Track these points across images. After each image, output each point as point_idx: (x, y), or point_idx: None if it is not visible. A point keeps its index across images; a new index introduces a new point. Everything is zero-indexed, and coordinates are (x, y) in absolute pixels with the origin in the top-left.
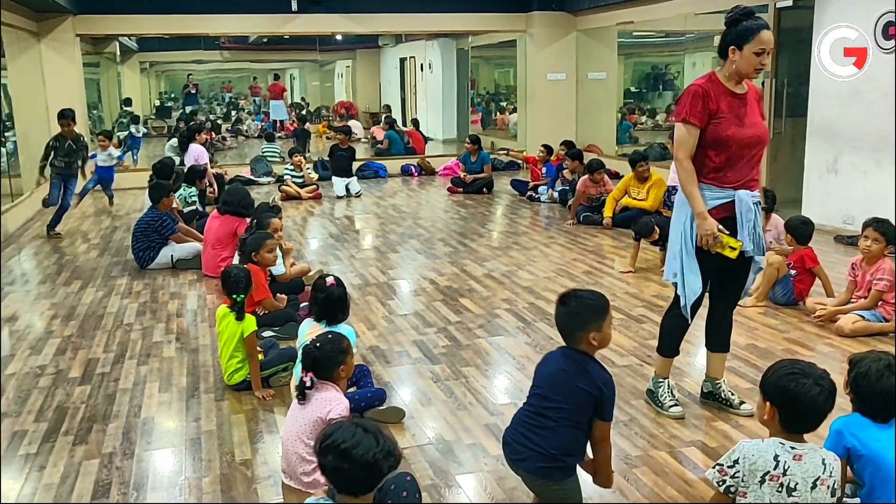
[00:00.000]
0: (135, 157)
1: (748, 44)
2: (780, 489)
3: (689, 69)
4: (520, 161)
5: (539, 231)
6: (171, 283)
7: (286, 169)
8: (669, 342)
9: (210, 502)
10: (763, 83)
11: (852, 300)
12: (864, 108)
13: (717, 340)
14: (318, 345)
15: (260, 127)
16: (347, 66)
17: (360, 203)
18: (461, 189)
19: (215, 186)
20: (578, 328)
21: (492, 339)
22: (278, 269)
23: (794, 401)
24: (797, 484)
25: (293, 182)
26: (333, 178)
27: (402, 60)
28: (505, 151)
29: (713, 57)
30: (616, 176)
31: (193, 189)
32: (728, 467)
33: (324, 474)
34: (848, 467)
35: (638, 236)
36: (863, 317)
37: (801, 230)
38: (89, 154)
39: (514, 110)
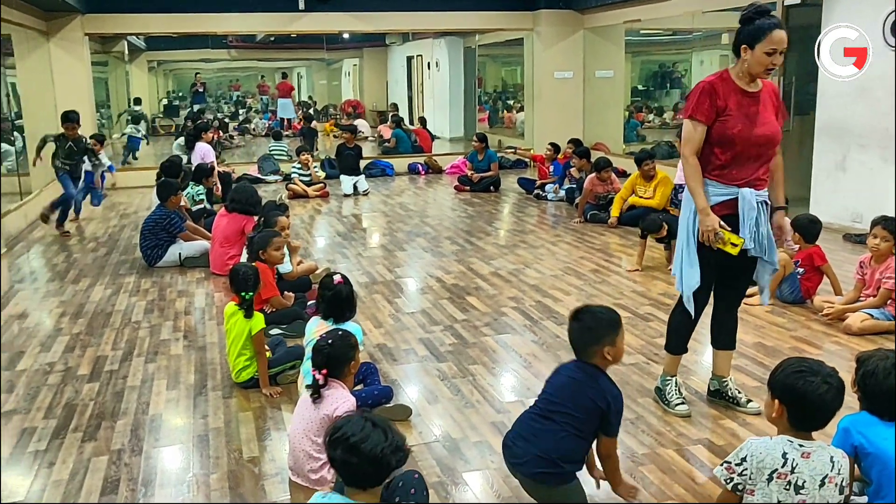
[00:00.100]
0: (135, 157)
1: (759, 43)
2: (787, 487)
3: (696, 67)
4: (527, 159)
5: (546, 229)
6: (179, 281)
7: (293, 167)
8: (676, 339)
9: (218, 500)
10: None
11: (861, 298)
12: (872, 107)
13: (723, 338)
14: (330, 342)
15: (267, 125)
16: (354, 65)
17: (367, 201)
18: (468, 187)
19: (218, 185)
20: (593, 343)
21: (498, 337)
22: (285, 267)
23: (802, 399)
24: (805, 482)
25: (300, 180)
26: (342, 176)
27: (410, 59)
28: (512, 150)
29: (721, 55)
30: (623, 174)
31: (201, 187)
32: (736, 465)
33: (333, 467)
34: (855, 465)
35: (645, 233)
36: (871, 315)
37: (808, 229)
38: (94, 162)
39: (522, 108)
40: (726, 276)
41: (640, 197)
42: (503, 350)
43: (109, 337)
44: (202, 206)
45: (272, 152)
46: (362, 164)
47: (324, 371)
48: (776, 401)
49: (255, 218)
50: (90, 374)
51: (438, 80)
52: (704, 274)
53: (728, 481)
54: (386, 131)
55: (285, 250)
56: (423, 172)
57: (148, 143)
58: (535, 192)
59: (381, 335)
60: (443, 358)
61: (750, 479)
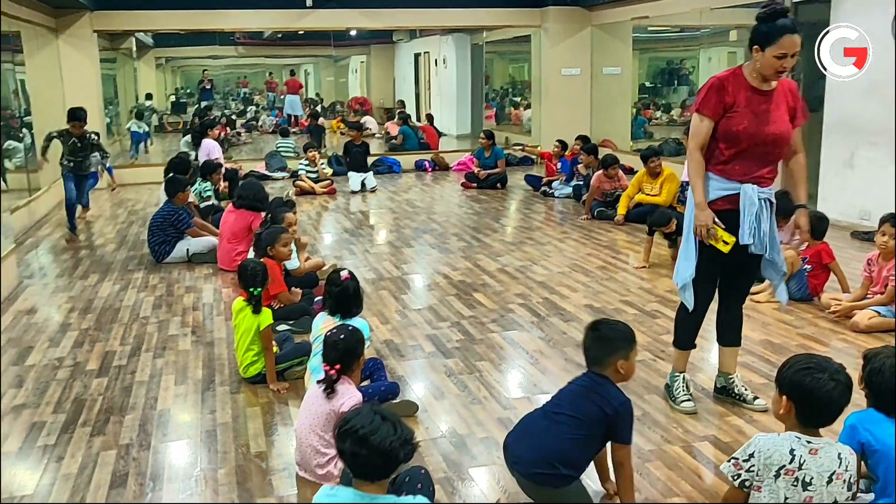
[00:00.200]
0: (138, 151)
1: (770, 46)
2: (795, 483)
3: (704, 64)
4: (534, 156)
5: (553, 226)
6: (187, 276)
7: (301, 164)
8: (682, 334)
9: (226, 494)
10: None
11: (868, 296)
12: (881, 104)
13: (728, 335)
14: (341, 336)
15: (274, 122)
16: (362, 62)
17: (374, 198)
18: (475, 184)
19: (222, 181)
20: (607, 354)
21: (505, 333)
22: (293, 263)
23: (810, 395)
24: (812, 478)
25: (308, 177)
26: (349, 172)
27: (417, 56)
28: (520, 147)
29: (729, 52)
30: (630, 171)
31: (208, 184)
32: (743, 461)
33: (342, 459)
34: (862, 462)
35: (652, 230)
36: (879, 312)
37: (816, 226)
38: (102, 154)
39: (529, 105)
40: (730, 273)
41: (647, 194)
42: (510, 346)
43: (118, 332)
44: (210, 202)
45: (279, 149)
46: (369, 160)
47: (337, 366)
48: (784, 397)
49: (263, 214)
50: (99, 370)
51: (446, 76)
52: (706, 269)
53: (735, 477)
54: (393, 128)
55: (293, 246)
56: (429, 169)
57: (150, 141)
58: (542, 188)
59: (387, 331)
60: (450, 354)
61: (757, 475)
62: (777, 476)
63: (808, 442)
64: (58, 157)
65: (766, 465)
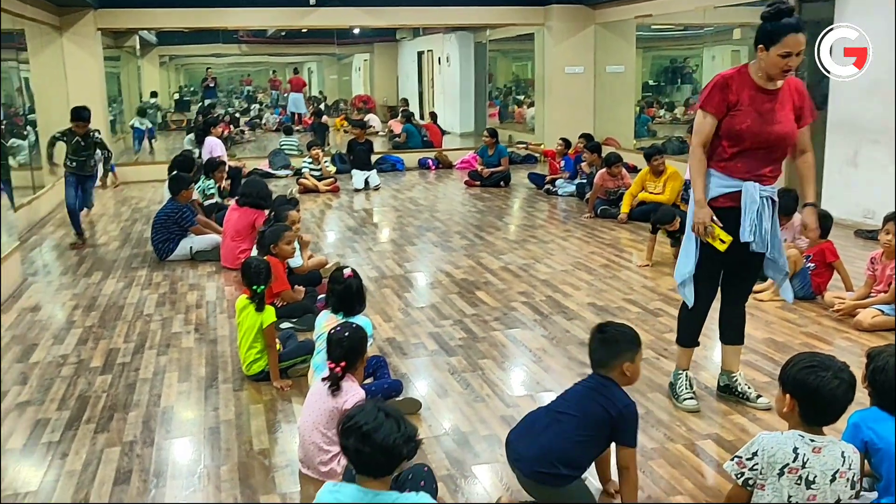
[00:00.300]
0: (136, 148)
1: (774, 45)
2: (798, 482)
3: (707, 62)
4: (537, 154)
5: (556, 224)
6: (190, 274)
7: (304, 162)
8: (684, 332)
9: (229, 491)
10: None
11: (871, 294)
12: (884, 103)
13: (731, 333)
14: (346, 334)
15: (278, 120)
16: (365, 60)
17: (378, 196)
18: (478, 182)
19: (224, 179)
20: (613, 356)
21: (508, 331)
22: (296, 261)
23: (814, 394)
24: (816, 476)
25: (311, 175)
26: (353, 170)
27: (420, 54)
28: (524, 145)
29: (732, 50)
30: (634, 170)
31: (211, 181)
32: (747, 459)
33: (345, 455)
34: (865, 461)
35: (655, 228)
36: (882, 311)
37: (820, 224)
38: (106, 153)
39: (532, 104)
40: (733, 271)
41: (650, 193)
42: (513, 344)
43: (121, 330)
44: (213, 200)
45: (283, 147)
46: (373, 158)
47: (342, 363)
48: (788, 396)
49: (266, 212)
50: (103, 367)
51: (449, 75)
52: (707, 266)
53: (739, 476)
54: (396, 126)
55: (296, 244)
56: (433, 167)
57: (154, 137)
58: (546, 187)
59: (390, 329)
60: (452, 352)
61: (761, 473)
62: (780, 474)
63: (812, 440)
64: (62, 159)
65: (770, 463)
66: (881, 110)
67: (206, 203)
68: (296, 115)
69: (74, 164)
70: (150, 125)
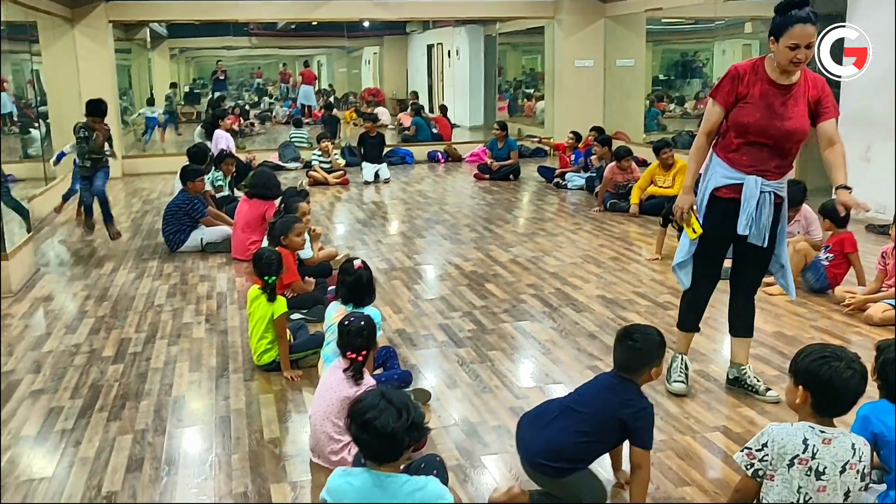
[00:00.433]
0: (147, 138)
1: (783, 37)
2: (808, 473)
3: (718, 56)
4: (547, 148)
5: (565, 217)
6: (201, 265)
7: (314, 154)
8: (684, 316)
9: (240, 479)
10: None
11: (882, 289)
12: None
13: (740, 326)
14: (362, 323)
15: (288, 113)
16: (375, 53)
17: (387, 189)
18: (487, 175)
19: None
20: (645, 364)
21: (517, 323)
22: (306, 252)
23: (827, 384)
24: (826, 468)
25: (321, 167)
26: (364, 163)
27: (430, 47)
28: (537, 139)
29: (744, 44)
30: (643, 163)
31: (220, 173)
32: (757, 451)
33: (354, 443)
34: (874, 453)
35: (666, 221)
36: (893, 306)
37: (837, 213)
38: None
39: (542, 97)
40: (741, 264)
41: (660, 186)
42: (522, 336)
43: (133, 320)
44: (223, 192)
45: (293, 140)
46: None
47: (363, 352)
48: (800, 387)
49: (276, 203)
50: (114, 356)
51: (458, 68)
52: (708, 253)
53: (748, 467)
54: (406, 119)
55: (306, 236)
56: (442, 160)
57: (165, 125)
58: (555, 180)
59: (400, 321)
60: (462, 343)
61: (770, 464)
62: (790, 465)
63: (822, 431)
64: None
65: (780, 454)
66: (893, 105)
67: (218, 196)
68: (306, 108)
69: (90, 161)
70: (160, 112)
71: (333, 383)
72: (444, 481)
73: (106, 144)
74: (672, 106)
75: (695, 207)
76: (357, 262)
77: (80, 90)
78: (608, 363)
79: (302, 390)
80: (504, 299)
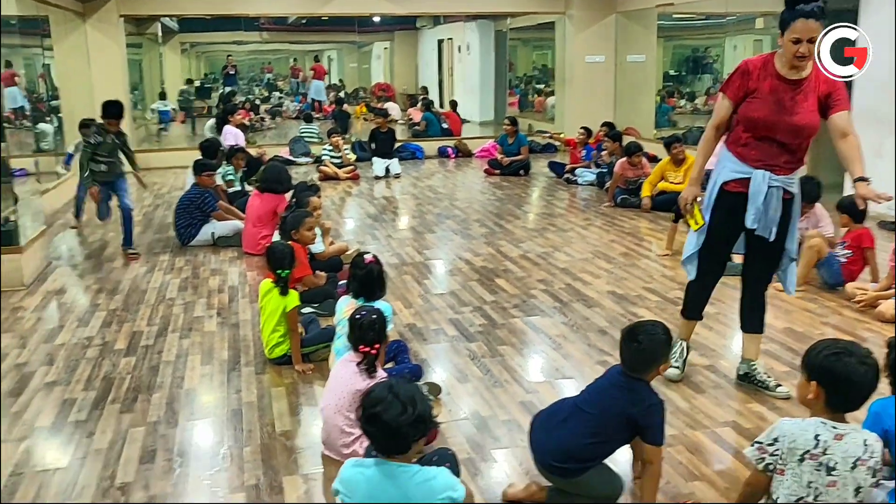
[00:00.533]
0: (166, 129)
1: (787, 31)
2: (819, 468)
3: (729, 52)
4: (557, 144)
5: (576, 213)
6: (212, 259)
7: (324, 149)
8: (689, 305)
9: (252, 472)
10: None
11: (894, 286)
12: None
13: (751, 321)
14: (374, 317)
15: (298, 108)
16: (385, 48)
17: (397, 184)
18: (498, 171)
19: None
20: (652, 363)
21: (527, 318)
22: (317, 247)
23: (841, 380)
24: (837, 463)
25: (331, 162)
26: (374, 158)
27: (440, 42)
28: (548, 135)
29: (755, 39)
30: (654, 159)
31: (231, 168)
32: (768, 445)
33: (364, 434)
34: (885, 450)
35: (678, 216)
36: None
37: (854, 207)
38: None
39: (552, 93)
40: (751, 259)
41: (671, 182)
42: (532, 331)
43: (145, 313)
44: (234, 187)
45: (303, 134)
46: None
47: (377, 345)
48: (813, 383)
49: (287, 197)
50: (126, 349)
51: (469, 63)
52: (714, 245)
53: (759, 461)
54: (416, 114)
55: (317, 230)
56: (452, 156)
57: (174, 117)
58: (566, 176)
59: (410, 315)
60: (472, 338)
61: (781, 459)
62: (801, 460)
63: (834, 427)
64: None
65: (791, 449)
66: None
67: (230, 191)
68: (316, 103)
69: (105, 166)
70: (172, 106)
71: (345, 376)
72: (457, 475)
73: (121, 155)
74: (683, 102)
75: (699, 199)
76: (368, 256)
77: (92, 85)
78: (618, 358)
79: (313, 383)
80: (514, 294)
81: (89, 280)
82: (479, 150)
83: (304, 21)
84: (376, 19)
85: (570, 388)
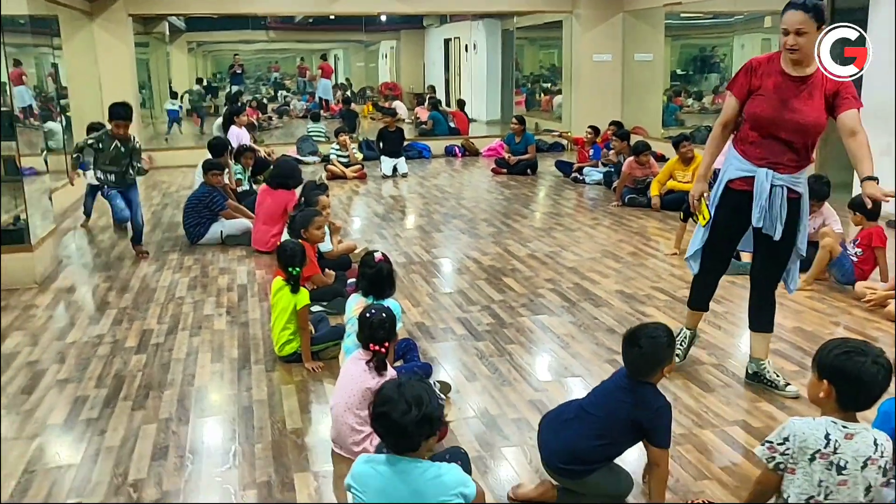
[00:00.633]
0: (169, 130)
1: (781, 25)
2: (829, 467)
3: (737, 51)
4: (565, 143)
5: (583, 212)
6: (221, 258)
7: (332, 148)
8: (694, 295)
9: (263, 468)
10: None
11: None
12: None
13: (760, 321)
14: (384, 315)
15: (305, 107)
16: (392, 47)
17: (404, 183)
18: (505, 170)
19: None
20: (655, 366)
21: (535, 317)
22: (326, 245)
23: (853, 379)
24: (847, 462)
25: (339, 161)
26: (382, 157)
27: (447, 41)
28: (556, 133)
29: (763, 38)
30: (661, 159)
31: (239, 166)
32: (778, 444)
33: (374, 432)
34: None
35: (687, 215)
36: None
37: (866, 205)
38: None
39: (559, 92)
40: (760, 257)
41: (679, 181)
42: (540, 330)
43: (154, 311)
44: (243, 186)
45: (311, 133)
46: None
47: (386, 344)
48: (825, 382)
49: (297, 194)
50: (137, 347)
51: (476, 62)
52: (718, 247)
53: (770, 460)
54: (423, 113)
55: (326, 229)
56: (459, 155)
57: (183, 117)
58: (573, 175)
59: (419, 314)
60: (480, 337)
61: (792, 458)
62: (812, 459)
63: (845, 426)
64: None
65: (801, 448)
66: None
67: (239, 190)
68: (324, 102)
69: (113, 175)
70: (180, 105)
71: (355, 374)
72: (468, 473)
73: (131, 160)
74: (690, 101)
75: (706, 195)
76: (378, 255)
77: (101, 84)
78: None
79: (323, 381)
80: (522, 293)
81: (99, 278)
82: (487, 149)
83: (310, 20)
84: (383, 18)
85: (579, 387)
